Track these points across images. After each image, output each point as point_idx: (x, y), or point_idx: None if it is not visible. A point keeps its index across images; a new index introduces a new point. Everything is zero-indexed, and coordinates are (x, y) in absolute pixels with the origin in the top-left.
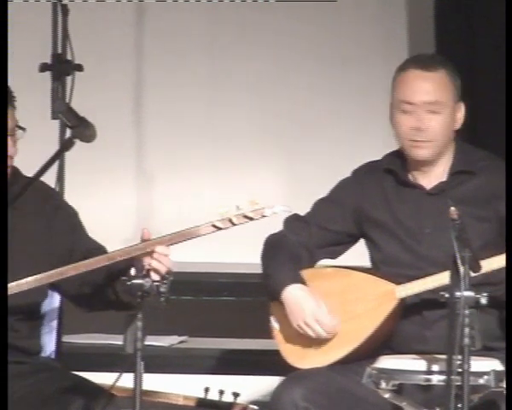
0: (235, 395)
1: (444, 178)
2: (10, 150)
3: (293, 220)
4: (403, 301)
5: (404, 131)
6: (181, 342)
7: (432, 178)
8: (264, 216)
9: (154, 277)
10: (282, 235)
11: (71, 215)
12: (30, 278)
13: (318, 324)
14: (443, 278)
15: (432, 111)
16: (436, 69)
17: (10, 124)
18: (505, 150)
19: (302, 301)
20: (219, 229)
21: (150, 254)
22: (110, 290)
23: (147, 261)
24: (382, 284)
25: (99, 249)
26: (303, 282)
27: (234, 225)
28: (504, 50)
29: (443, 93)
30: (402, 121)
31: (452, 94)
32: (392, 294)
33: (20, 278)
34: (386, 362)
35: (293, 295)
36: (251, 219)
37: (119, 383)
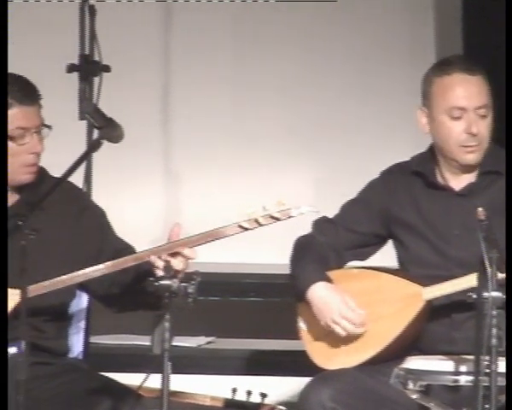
0: (263, 395)
1: (473, 179)
2: (37, 148)
3: (321, 222)
4: (430, 302)
5: (455, 137)
6: (208, 342)
7: (462, 179)
8: (290, 217)
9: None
10: (310, 236)
11: (98, 215)
12: (57, 279)
13: (346, 319)
14: (469, 281)
15: (481, 115)
16: (479, 72)
17: (36, 121)
18: (505, 150)
19: (327, 298)
20: (246, 229)
21: (177, 254)
22: (138, 291)
23: (174, 262)
24: (409, 285)
25: (127, 249)
26: (328, 281)
27: (260, 225)
28: None
29: (487, 96)
30: (452, 127)
31: (490, 97)
32: (419, 296)
33: (48, 279)
34: (414, 363)
35: (318, 293)
36: (277, 219)
37: (146, 384)
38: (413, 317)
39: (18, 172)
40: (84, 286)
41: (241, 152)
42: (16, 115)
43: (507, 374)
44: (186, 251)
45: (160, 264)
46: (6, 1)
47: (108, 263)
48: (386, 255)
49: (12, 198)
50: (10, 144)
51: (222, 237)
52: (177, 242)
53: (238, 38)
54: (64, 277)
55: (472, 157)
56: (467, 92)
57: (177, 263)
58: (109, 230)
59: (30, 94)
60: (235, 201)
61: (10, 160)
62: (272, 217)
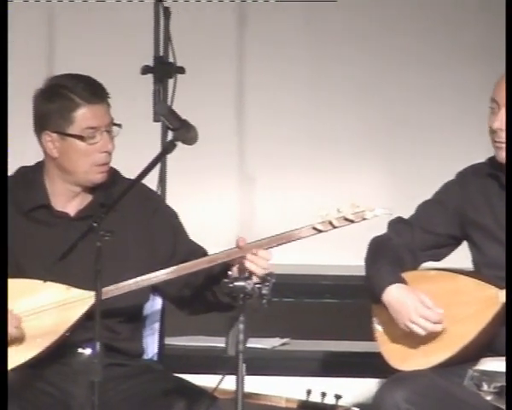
0: (338, 397)
1: None
2: (108, 146)
3: (397, 223)
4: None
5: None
6: (283, 344)
7: None
8: (364, 219)
9: (256, 279)
10: (385, 237)
11: (171, 217)
12: (131, 281)
13: (423, 318)
14: None
15: None
16: None
17: (105, 120)
18: (505, 150)
19: (404, 299)
20: (320, 231)
21: (251, 255)
22: (210, 293)
23: (249, 261)
24: (486, 287)
25: (199, 251)
26: (404, 282)
27: (334, 227)
28: None
29: None
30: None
31: None
32: (496, 298)
33: (122, 281)
34: (489, 364)
35: (393, 294)
36: (352, 221)
37: (221, 386)
38: (490, 319)
39: (90, 172)
40: (157, 288)
41: (315, 154)
42: (85, 115)
43: (507, 374)
44: (261, 253)
45: (238, 266)
46: (6, 1)
47: (181, 265)
48: (461, 257)
49: (85, 200)
50: (81, 144)
51: (296, 240)
52: (249, 244)
53: (312, 39)
54: (138, 278)
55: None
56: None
57: (252, 266)
58: (182, 232)
59: (97, 92)
60: (308, 203)
61: (82, 160)
62: (346, 219)
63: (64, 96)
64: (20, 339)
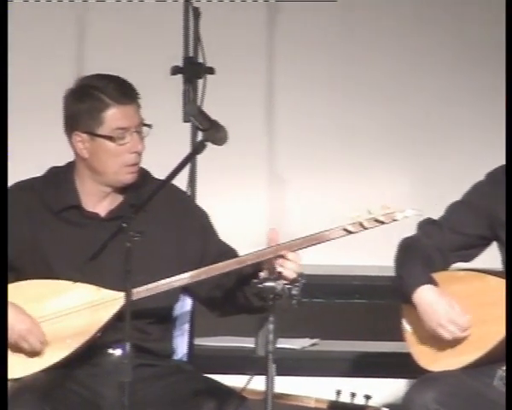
0: (367, 397)
1: None
2: (138, 147)
3: (426, 224)
4: None
5: None
6: (312, 344)
7: None
8: (395, 220)
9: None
10: (415, 238)
11: (201, 218)
12: (161, 282)
13: (453, 324)
14: None
15: None
16: None
17: (135, 120)
18: (505, 150)
19: (434, 302)
20: (350, 233)
21: (281, 257)
22: (240, 294)
23: (278, 264)
24: None
25: (230, 253)
26: (434, 284)
27: (365, 229)
28: None
29: None
30: None
31: None
32: None
33: (152, 282)
34: None
35: (424, 296)
36: (382, 223)
37: (250, 386)
38: None
39: (120, 173)
40: (186, 289)
41: (345, 155)
42: (115, 115)
43: (507, 374)
44: (290, 255)
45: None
46: (6, 1)
47: (212, 266)
48: (491, 258)
49: (116, 200)
50: (110, 145)
51: (326, 241)
52: (280, 245)
53: (342, 40)
54: (168, 279)
55: None
56: None
57: (282, 269)
58: (212, 232)
59: (127, 93)
60: (339, 204)
61: (111, 160)
62: (377, 220)
63: (94, 96)
64: (49, 341)
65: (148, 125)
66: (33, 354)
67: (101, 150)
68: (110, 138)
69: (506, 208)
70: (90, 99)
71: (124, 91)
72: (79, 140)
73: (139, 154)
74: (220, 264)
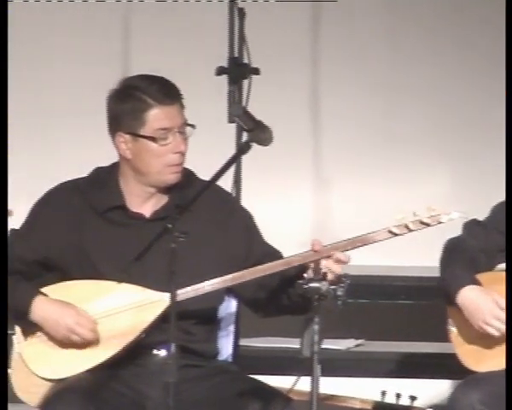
0: (412, 398)
1: None
2: (181, 147)
3: (471, 225)
4: None
5: None
6: (358, 345)
7: None
8: (440, 222)
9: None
10: (460, 239)
11: (246, 219)
12: (206, 283)
13: (498, 320)
14: None
15: None
16: None
17: (178, 120)
18: (505, 151)
19: (479, 301)
20: (395, 235)
21: (327, 258)
22: (285, 295)
23: (324, 265)
24: None
25: (274, 254)
26: (478, 284)
27: (410, 231)
28: None
29: None
30: None
31: None
32: None
33: (197, 283)
34: None
35: (468, 296)
36: (427, 225)
37: (296, 387)
38: None
39: (163, 173)
40: (231, 290)
41: (390, 157)
42: (157, 116)
43: (507, 374)
44: (339, 255)
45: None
46: (6, 2)
47: (256, 268)
48: None
49: (161, 201)
50: (153, 145)
51: (371, 243)
52: (325, 247)
53: (389, 42)
54: (213, 280)
55: None
56: None
57: (330, 271)
58: (256, 233)
59: (170, 93)
60: (383, 205)
61: (154, 161)
62: (422, 222)
63: (136, 97)
64: (96, 340)
65: (192, 126)
66: (83, 351)
67: (143, 151)
68: (152, 139)
69: (506, 208)
70: (133, 100)
71: (166, 92)
72: (122, 141)
73: (182, 154)
74: (266, 265)
